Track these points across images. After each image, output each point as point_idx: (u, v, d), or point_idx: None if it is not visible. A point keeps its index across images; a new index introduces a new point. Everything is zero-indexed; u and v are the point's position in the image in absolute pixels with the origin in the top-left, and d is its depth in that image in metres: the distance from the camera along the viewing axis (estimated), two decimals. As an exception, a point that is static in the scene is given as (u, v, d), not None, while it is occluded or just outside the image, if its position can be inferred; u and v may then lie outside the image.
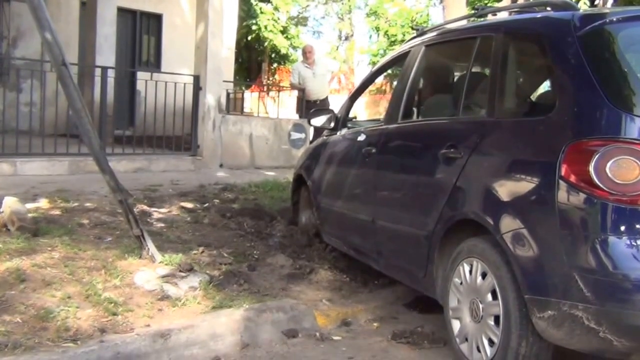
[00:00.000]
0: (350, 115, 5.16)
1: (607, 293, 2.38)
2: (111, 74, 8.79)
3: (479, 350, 2.90)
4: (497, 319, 2.81)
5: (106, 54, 9.61)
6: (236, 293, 3.74)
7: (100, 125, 7.96)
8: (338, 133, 4.87)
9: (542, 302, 2.56)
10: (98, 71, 8.46)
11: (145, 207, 5.63)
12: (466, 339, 3.02)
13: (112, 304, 3.28)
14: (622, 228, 2.39)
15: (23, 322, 2.93)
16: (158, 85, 8.47)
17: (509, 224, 2.75)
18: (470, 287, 3.01)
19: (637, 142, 2.43)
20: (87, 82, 8.81)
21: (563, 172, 2.51)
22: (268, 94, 17.21)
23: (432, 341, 3.44)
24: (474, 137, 3.15)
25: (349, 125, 4.93)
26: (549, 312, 2.53)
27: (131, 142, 8.56)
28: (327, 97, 10.50)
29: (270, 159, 10.02)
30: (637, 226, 2.39)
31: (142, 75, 9.55)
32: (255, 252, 4.62)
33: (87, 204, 5.47)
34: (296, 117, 10.86)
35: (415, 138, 3.86)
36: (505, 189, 2.83)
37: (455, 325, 3.11)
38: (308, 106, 10.23)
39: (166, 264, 3.94)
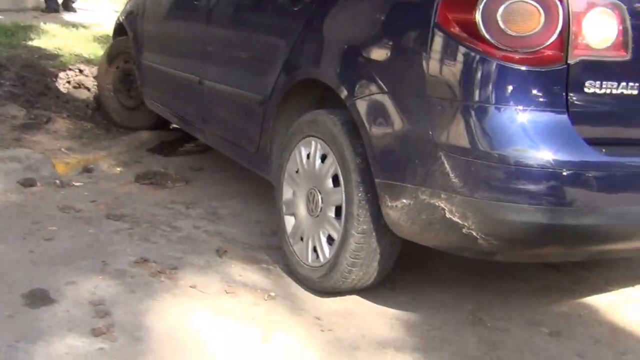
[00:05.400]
0: None
1: (479, 179, 1.88)
2: None
3: (315, 251, 2.41)
4: (338, 210, 2.30)
5: None
6: (-40, 146, 3.46)
7: None
8: None
9: (397, 188, 2.06)
10: None
11: None
12: (301, 238, 2.49)
13: None
14: (509, 96, 1.85)
15: None
16: None
17: (364, 86, 2.16)
18: (308, 174, 2.46)
19: None
20: None
21: (440, 19, 1.92)
22: None
23: (175, 180, 3.59)
24: None
25: None
26: (404, 200, 2.04)
27: None
28: None
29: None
30: (528, 94, 1.86)
31: None
32: (-19, 102, 4.24)
33: None
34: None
35: None
36: (363, 41, 2.22)
37: (289, 222, 2.56)
38: None
39: None
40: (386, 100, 2.08)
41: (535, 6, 1.83)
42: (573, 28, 1.83)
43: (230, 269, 2.56)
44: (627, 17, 1.88)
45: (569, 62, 1.84)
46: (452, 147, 1.91)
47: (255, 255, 2.73)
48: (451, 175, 1.91)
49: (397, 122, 2.06)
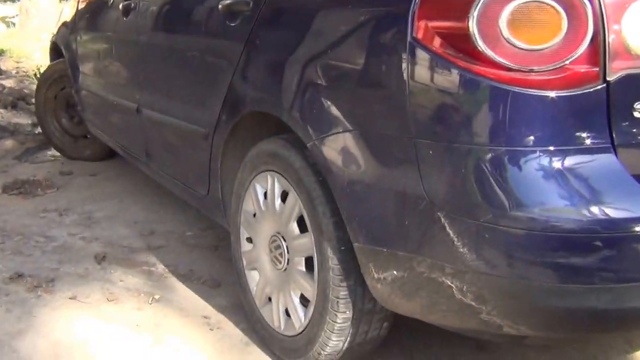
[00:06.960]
0: None
1: (499, 250, 1.33)
2: None
3: (288, 315, 1.91)
4: (309, 263, 1.80)
5: None
6: None
7: None
8: None
9: (383, 255, 1.53)
10: None
11: None
12: (270, 299, 1.99)
13: None
14: (527, 134, 1.30)
15: None
16: None
17: (329, 123, 1.61)
18: (269, 215, 1.94)
19: None
20: None
21: (419, 33, 1.37)
22: None
23: (46, 187, 3.49)
24: None
25: None
26: (394, 272, 1.52)
27: None
28: None
29: None
30: (555, 130, 1.31)
31: None
32: None
33: None
34: None
35: None
36: (322, 62, 1.66)
37: (253, 279, 2.06)
38: None
39: None
40: (360, 143, 1.54)
41: (553, 6, 1.27)
42: (610, 31, 1.28)
43: (110, 275, 2.52)
44: None
45: (608, 79, 1.30)
46: (454, 206, 1.36)
47: (135, 257, 2.69)
48: (457, 243, 1.36)
49: (377, 171, 1.53)
